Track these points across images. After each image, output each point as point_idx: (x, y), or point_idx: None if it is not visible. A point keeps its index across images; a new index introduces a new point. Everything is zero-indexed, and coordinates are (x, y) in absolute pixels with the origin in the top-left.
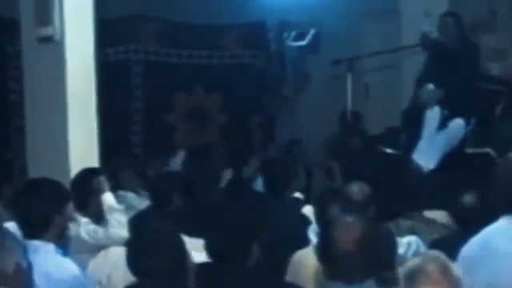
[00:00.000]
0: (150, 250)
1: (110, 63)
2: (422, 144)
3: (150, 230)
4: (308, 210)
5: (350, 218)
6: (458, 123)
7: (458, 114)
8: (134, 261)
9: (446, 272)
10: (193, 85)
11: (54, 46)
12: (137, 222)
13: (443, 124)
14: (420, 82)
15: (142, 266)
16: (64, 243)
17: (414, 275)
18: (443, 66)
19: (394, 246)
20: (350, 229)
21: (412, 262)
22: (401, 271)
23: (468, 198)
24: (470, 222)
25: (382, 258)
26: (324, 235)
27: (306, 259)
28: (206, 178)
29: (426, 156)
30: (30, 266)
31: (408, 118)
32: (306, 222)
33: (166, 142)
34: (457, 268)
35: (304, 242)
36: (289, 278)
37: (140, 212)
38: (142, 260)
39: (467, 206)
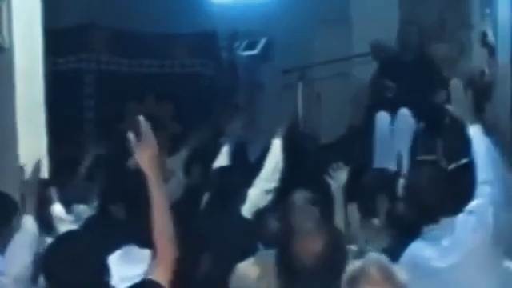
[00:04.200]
0: (62, 262)
1: (60, 72)
2: (379, 150)
3: (62, 241)
4: None
5: (311, 231)
6: (405, 117)
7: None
8: (47, 273)
9: (387, 275)
10: (144, 94)
11: (2, 54)
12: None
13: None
14: (371, 90)
15: (55, 279)
16: None
17: (355, 278)
18: (396, 74)
19: (346, 256)
20: (312, 243)
21: (353, 266)
22: (343, 276)
23: (400, 206)
24: (402, 230)
25: (340, 268)
26: (285, 248)
27: (248, 270)
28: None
29: (386, 160)
30: None
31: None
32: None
33: (119, 152)
34: (402, 272)
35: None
36: None
37: (84, 223)
38: (55, 271)
39: (399, 214)
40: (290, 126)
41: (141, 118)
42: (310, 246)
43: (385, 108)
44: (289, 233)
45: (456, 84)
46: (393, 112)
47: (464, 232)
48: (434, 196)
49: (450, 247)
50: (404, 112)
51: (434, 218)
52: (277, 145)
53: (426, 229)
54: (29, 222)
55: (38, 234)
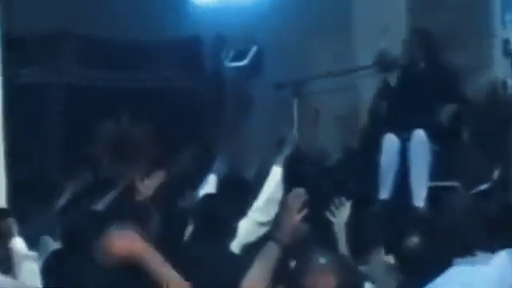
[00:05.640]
0: None
1: (22, 86)
2: (386, 178)
3: None
4: None
5: (324, 265)
6: (420, 138)
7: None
8: None
9: None
10: (120, 112)
11: None
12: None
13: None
14: (376, 108)
15: None
16: None
17: None
18: (406, 89)
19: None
20: (326, 276)
21: None
22: None
23: (413, 241)
24: (414, 268)
25: None
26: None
27: None
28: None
29: (394, 188)
30: None
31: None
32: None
33: (90, 178)
34: None
35: None
36: None
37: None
38: None
39: (410, 250)
40: (293, 152)
41: None
42: (324, 281)
43: (389, 128)
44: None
45: None
46: (400, 133)
47: (504, 269)
48: (470, 227)
49: (484, 282)
50: (419, 134)
51: (467, 252)
52: (277, 173)
53: (456, 261)
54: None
55: None
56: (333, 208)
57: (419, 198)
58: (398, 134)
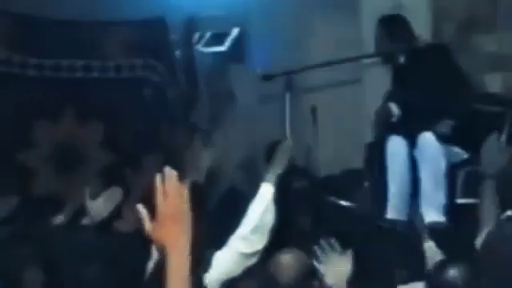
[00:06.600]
0: None
1: None
2: (394, 193)
3: None
4: None
5: None
6: (430, 141)
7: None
8: None
9: None
10: (61, 109)
11: None
12: None
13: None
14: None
15: None
16: None
17: None
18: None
19: None
20: None
21: None
22: None
23: (451, 273)
24: None
25: None
26: None
27: None
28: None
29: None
30: None
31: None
32: None
33: (21, 193)
34: None
35: None
36: None
37: None
38: None
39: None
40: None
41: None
42: None
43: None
44: None
45: None
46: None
47: None
48: None
49: None
50: (426, 136)
51: None
52: (267, 193)
53: None
54: None
55: None
56: (319, 252)
57: (431, 216)
58: (406, 138)
